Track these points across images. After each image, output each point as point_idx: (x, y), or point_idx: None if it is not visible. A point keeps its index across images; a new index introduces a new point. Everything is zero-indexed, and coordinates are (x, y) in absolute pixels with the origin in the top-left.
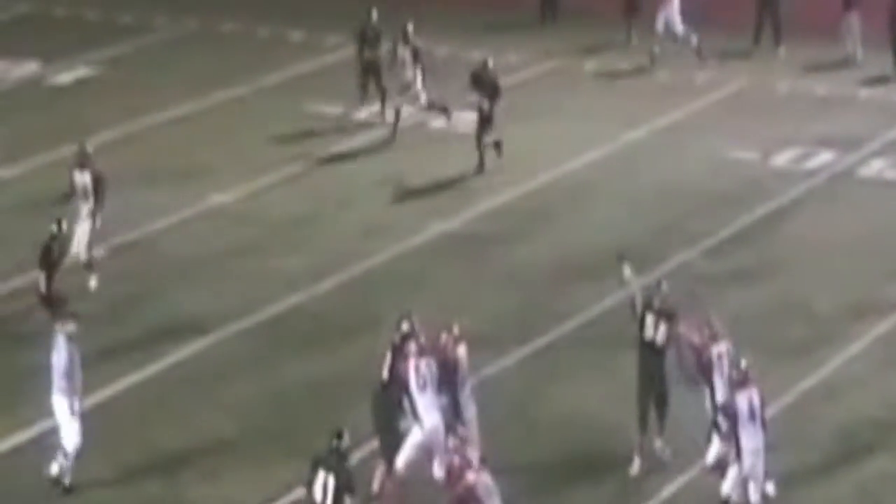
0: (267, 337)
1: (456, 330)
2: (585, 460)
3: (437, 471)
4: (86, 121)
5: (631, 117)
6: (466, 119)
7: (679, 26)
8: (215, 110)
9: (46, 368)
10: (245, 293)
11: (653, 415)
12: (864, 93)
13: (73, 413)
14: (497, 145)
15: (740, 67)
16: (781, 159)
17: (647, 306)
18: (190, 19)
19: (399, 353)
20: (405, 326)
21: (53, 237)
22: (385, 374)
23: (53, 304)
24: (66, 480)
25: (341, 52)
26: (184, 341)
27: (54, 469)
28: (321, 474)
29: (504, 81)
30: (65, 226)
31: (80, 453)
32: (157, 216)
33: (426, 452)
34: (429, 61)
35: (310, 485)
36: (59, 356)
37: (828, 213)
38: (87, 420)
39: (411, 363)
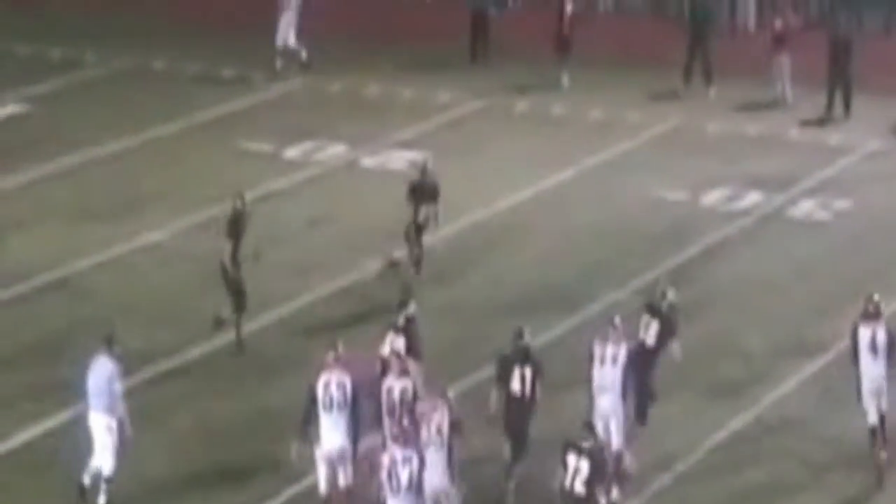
0: (199, 375)
1: (402, 356)
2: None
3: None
4: (16, 158)
5: (561, 156)
6: (400, 157)
7: (292, 39)
8: (147, 147)
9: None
10: (177, 332)
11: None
12: (794, 133)
13: (111, 432)
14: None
15: (671, 108)
16: (712, 199)
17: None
18: (120, 56)
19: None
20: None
21: (239, 212)
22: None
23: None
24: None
25: (273, 89)
26: None
27: (87, 480)
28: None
29: (434, 120)
30: (248, 201)
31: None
32: (89, 253)
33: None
34: None
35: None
36: (108, 374)
37: (758, 253)
38: (17, 459)
39: (321, 379)
